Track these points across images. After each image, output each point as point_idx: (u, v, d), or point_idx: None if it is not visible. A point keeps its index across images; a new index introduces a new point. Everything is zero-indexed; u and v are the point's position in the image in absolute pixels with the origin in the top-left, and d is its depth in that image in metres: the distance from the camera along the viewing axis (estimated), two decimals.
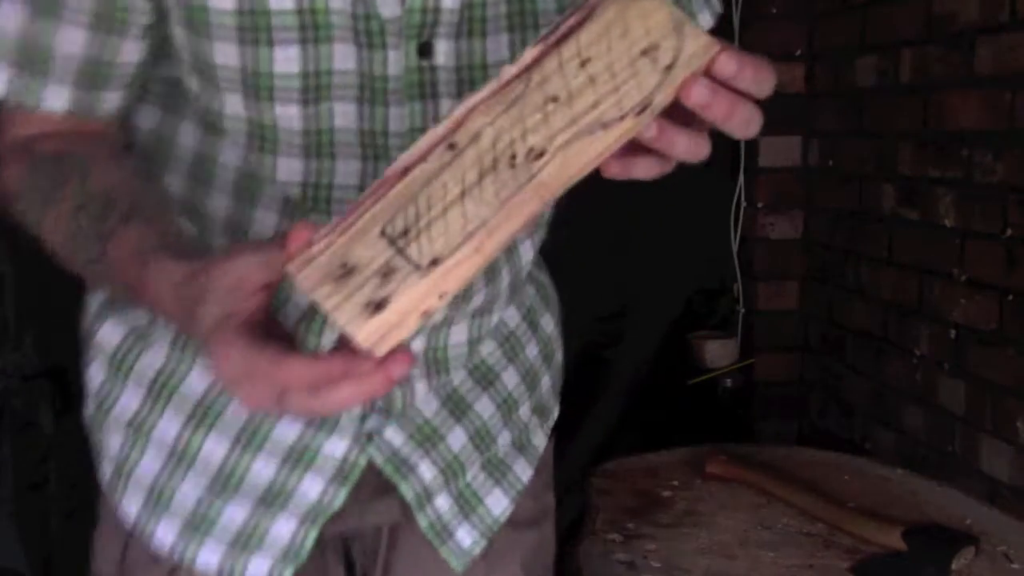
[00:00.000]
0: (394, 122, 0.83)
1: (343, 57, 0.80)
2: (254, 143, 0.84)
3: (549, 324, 1.09)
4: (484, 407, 1.00)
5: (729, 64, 0.60)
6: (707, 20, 0.96)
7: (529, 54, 0.61)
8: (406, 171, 0.60)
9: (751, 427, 2.64)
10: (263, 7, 0.77)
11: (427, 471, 0.97)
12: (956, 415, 2.02)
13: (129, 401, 0.93)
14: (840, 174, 2.45)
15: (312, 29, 0.78)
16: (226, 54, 0.79)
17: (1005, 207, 1.84)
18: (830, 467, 1.82)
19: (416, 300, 0.58)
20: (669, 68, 0.60)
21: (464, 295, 0.92)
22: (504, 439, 1.02)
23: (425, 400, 0.97)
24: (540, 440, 1.08)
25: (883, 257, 2.27)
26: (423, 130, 0.82)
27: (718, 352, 2.63)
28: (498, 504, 1.02)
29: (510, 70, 0.61)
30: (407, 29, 0.80)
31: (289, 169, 0.84)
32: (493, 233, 0.59)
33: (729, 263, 2.65)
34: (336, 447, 0.93)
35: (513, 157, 0.60)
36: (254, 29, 0.78)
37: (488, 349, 1.01)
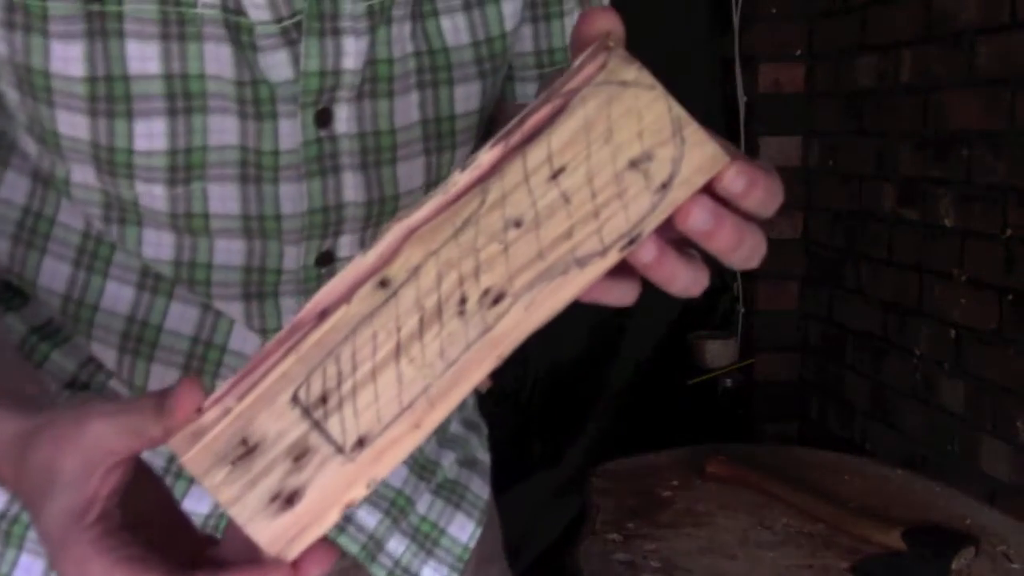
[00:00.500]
0: (287, 203, 0.71)
1: (221, 131, 0.67)
2: (111, 214, 0.70)
3: None
4: None
5: (738, 182, 0.46)
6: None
7: (485, 157, 0.46)
8: (324, 314, 0.46)
9: (751, 427, 2.64)
10: (121, 72, 0.64)
11: (369, 517, 0.84)
12: (956, 415, 2.02)
13: None
14: (840, 174, 2.45)
15: (182, 98, 0.65)
16: (73, 125, 0.65)
17: (1005, 207, 1.84)
18: (830, 467, 1.82)
19: (337, 491, 0.46)
20: (665, 186, 0.46)
21: None
22: (448, 459, 0.91)
23: None
24: (484, 456, 0.97)
25: (883, 257, 2.26)
26: (323, 210, 0.71)
27: (718, 352, 2.63)
28: (463, 530, 0.89)
29: (460, 179, 0.46)
30: (303, 96, 0.67)
31: (157, 242, 0.71)
32: (436, 403, 0.46)
33: None
34: None
35: (463, 302, 0.46)
36: (109, 99, 0.64)
37: None
